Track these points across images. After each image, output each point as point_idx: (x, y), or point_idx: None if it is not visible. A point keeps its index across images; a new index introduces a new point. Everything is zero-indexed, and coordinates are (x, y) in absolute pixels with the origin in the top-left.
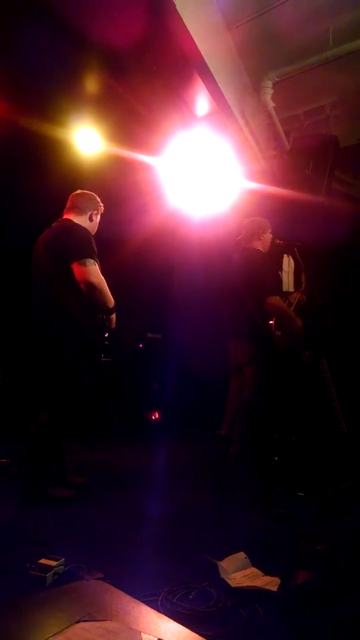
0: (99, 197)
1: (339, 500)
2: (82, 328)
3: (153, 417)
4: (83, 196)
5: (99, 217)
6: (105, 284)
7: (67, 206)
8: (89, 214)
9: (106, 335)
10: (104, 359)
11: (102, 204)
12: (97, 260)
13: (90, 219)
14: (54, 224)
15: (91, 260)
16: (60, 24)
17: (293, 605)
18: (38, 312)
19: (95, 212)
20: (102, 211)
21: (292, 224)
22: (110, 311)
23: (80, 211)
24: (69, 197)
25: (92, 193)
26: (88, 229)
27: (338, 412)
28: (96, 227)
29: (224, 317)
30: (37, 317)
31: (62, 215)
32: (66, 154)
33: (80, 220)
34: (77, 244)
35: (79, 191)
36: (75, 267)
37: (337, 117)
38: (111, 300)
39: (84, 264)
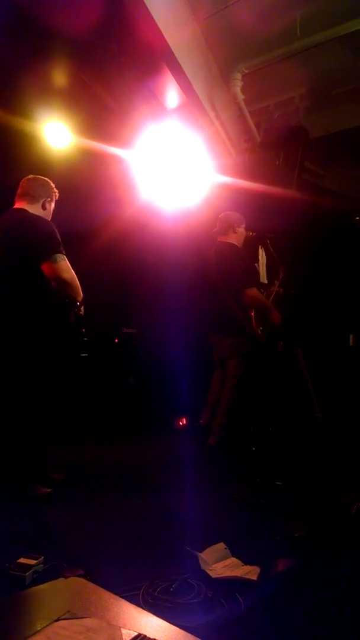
0: (70, 190)
1: (317, 488)
2: (53, 328)
3: (181, 423)
4: (36, 181)
5: (53, 204)
6: (76, 278)
7: (18, 192)
8: (41, 201)
9: (83, 330)
10: (82, 355)
11: (56, 191)
12: (64, 252)
13: (44, 207)
14: (5, 215)
15: (61, 256)
16: (22, 13)
17: (273, 593)
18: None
19: (49, 199)
20: (57, 198)
21: (264, 216)
22: (80, 305)
23: (32, 199)
24: (21, 183)
25: (46, 178)
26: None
27: (313, 401)
28: (50, 215)
29: (204, 312)
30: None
31: (14, 203)
32: (35, 148)
33: (34, 209)
34: (43, 241)
35: (30, 176)
36: (45, 265)
37: (307, 109)
38: (81, 294)
39: (54, 261)
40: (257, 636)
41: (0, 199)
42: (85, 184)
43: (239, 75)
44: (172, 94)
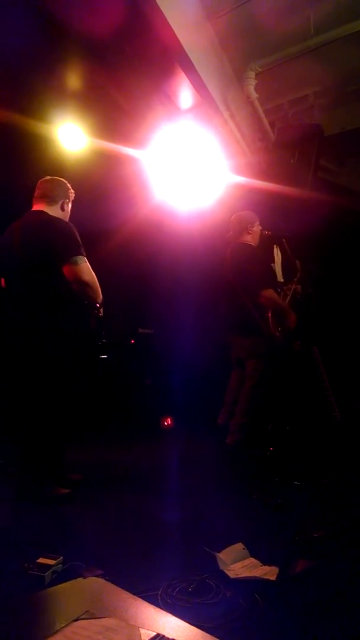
0: (84, 191)
1: (336, 488)
2: (74, 330)
3: (166, 423)
4: (53, 183)
5: (70, 205)
6: (97, 280)
7: (35, 195)
8: (60, 202)
9: (103, 333)
10: (101, 357)
11: (72, 191)
12: (85, 254)
13: (62, 208)
14: (25, 218)
15: (82, 258)
16: (37, 16)
17: (292, 594)
18: (20, 315)
19: (67, 200)
20: (73, 198)
21: (279, 215)
22: (99, 306)
23: (50, 200)
24: (37, 184)
25: (62, 179)
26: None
27: (331, 400)
28: (68, 216)
29: (220, 312)
30: (18, 320)
31: (32, 205)
32: (50, 151)
33: (53, 210)
34: (64, 243)
35: (47, 177)
36: (65, 268)
37: (321, 106)
38: (100, 296)
39: (75, 263)
40: (276, 637)
41: (16, 200)
42: (100, 186)
43: (252, 74)
44: (185, 95)
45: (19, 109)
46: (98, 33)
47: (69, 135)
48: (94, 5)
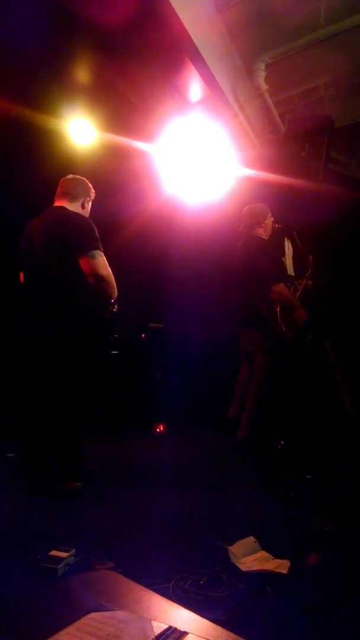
0: (93, 185)
1: (347, 482)
2: (89, 324)
3: (158, 430)
4: (75, 181)
5: (90, 203)
6: (112, 276)
7: (57, 192)
8: (81, 200)
9: (116, 328)
10: (114, 352)
11: (93, 191)
12: (102, 250)
13: (83, 206)
14: (46, 213)
15: (99, 252)
16: (46, 11)
17: (304, 587)
18: (38, 308)
19: (88, 198)
20: (94, 197)
21: (290, 208)
22: (114, 302)
23: (72, 198)
24: (60, 182)
25: (83, 178)
26: None
27: (343, 394)
28: (88, 214)
29: (231, 306)
30: (36, 313)
31: (54, 202)
32: (60, 145)
33: (74, 207)
34: (82, 237)
35: (70, 176)
36: (82, 260)
37: (332, 97)
38: (116, 291)
39: (93, 257)
40: (288, 629)
41: (28, 194)
42: (110, 180)
43: (262, 66)
44: (195, 87)
45: (30, 104)
46: (107, 27)
47: (79, 129)
48: None
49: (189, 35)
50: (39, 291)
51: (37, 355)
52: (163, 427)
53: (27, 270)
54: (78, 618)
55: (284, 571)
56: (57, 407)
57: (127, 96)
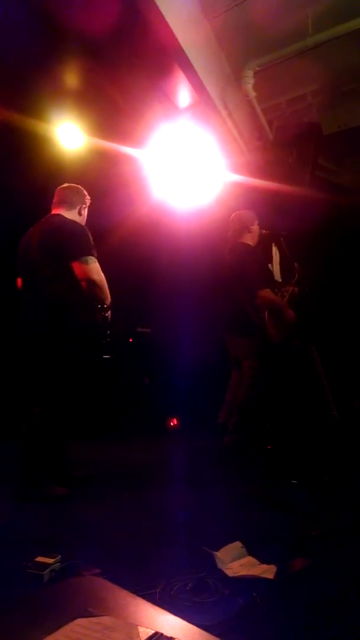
0: (85, 190)
1: (333, 486)
2: (82, 327)
3: (172, 424)
4: (70, 189)
5: (86, 210)
6: (105, 281)
7: (54, 200)
8: (77, 208)
9: (108, 332)
10: (106, 356)
11: (88, 197)
12: (96, 256)
13: (79, 213)
14: (43, 220)
15: (92, 258)
16: (35, 15)
17: (291, 592)
18: (33, 312)
19: (84, 205)
20: (89, 204)
21: (277, 214)
22: (107, 308)
23: (69, 206)
24: (56, 192)
25: (79, 186)
26: None
27: (329, 399)
28: (84, 221)
29: (218, 313)
30: (32, 317)
31: (51, 210)
32: (48, 150)
33: (71, 215)
34: (76, 242)
35: (65, 185)
36: (76, 266)
37: (319, 105)
38: (109, 297)
39: (86, 262)
40: (274, 635)
41: (16, 198)
42: (99, 184)
43: (250, 73)
44: (184, 93)
45: (18, 108)
46: (96, 32)
47: (68, 134)
48: (92, 4)
49: (177, 42)
50: (35, 295)
51: (31, 357)
52: (176, 422)
53: (25, 276)
54: (64, 624)
55: (271, 576)
56: (50, 409)
57: (116, 101)
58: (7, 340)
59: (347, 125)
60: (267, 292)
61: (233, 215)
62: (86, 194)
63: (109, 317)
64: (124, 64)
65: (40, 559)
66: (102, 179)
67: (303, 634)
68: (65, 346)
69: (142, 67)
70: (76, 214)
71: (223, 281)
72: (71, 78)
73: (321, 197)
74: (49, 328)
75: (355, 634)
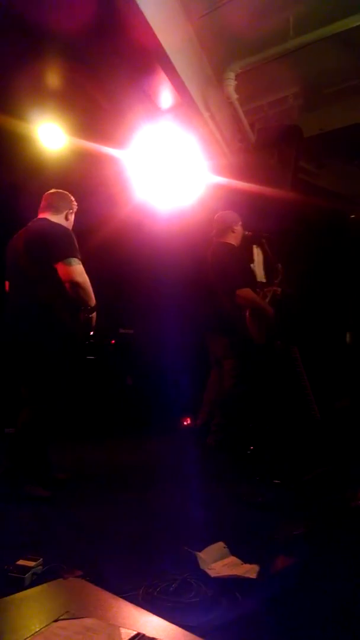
0: (64, 190)
1: (315, 486)
2: (66, 328)
3: (185, 423)
4: (58, 195)
5: (73, 216)
6: (89, 283)
7: (41, 205)
8: (64, 212)
9: (91, 333)
10: (89, 357)
11: (75, 203)
12: (80, 259)
13: (66, 218)
14: (30, 224)
15: (76, 260)
16: (14, 14)
17: (273, 591)
18: (17, 312)
19: (71, 211)
20: (76, 210)
21: (259, 215)
22: (92, 310)
23: (56, 210)
24: (43, 196)
25: (66, 192)
26: None
27: (310, 399)
28: (71, 226)
29: (199, 312)
30: (16, 318)
31: (38, 215)
32: (30, 150)
33: (57, 219)
34: (60, 244)
35: (53, 190)
36: (59, 267)
37: (300, 107)
38: (93, 299)
39: (69, 264)
40: (256, 635)
41: None
42: (80, 185)
43: (232, 75)
44: (166, 95)
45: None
46: (77, 32)
47: (49, 134)
48: (71, 3)
49: (158, 42)
50: (20, 297)
51: (16, 359)
52: (190, 420)
53: (11, 278)
54: (45, 626)
55: (253, 576)
56: (37, 409)
57: (97, 101)
58: None
59: (327, 128)
60: (247, 292)
61: (216, 215)
62: (73, 199)
63: (94, 318)
64: (105, 64)
65: (21, 562)
66: (84, 179)
67: (286, 633)
68: (49, 347)
69: (123, 67)
70: (63, 219)
71: (205, 280)
72: (53, 78)
73: (302, 199)
74: (34, 329)
75: (338, 632)
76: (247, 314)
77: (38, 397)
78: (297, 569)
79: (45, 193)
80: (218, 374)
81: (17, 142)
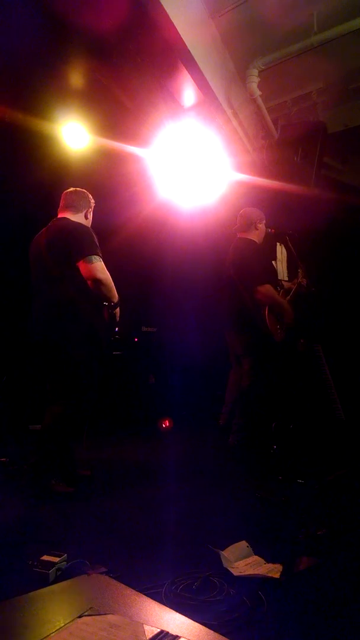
0: (88, 190)
1: (339, 486)
2: (91, 325)
3: (164, 425)
4: (77, 194)
5: (91, 214)
6: (111, 280)
7: (61, 205)
8: (84, 211)
9: (116, 329)
10: (115, 353)
11: (93, 200)
12: (101, 256)
13: (86, 217)
14: (50, 224)
15: (97, 257)
16: (41, 14)
17: (296, 592)
18: (43, 311)
19: (90, 209)
20: (94, 206)
21: (283, 213)
22: (115, 306)
23: (75, 209)
24: (62, 196)
25: (84, 190)
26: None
27: (335, 399)
28: (90, 224)
29: (220, 309)
30: (42, 316)
31: (57, 214)
32: (54, 149)
33: (77, 218)
34: (81, 243)
35: (71, 189)
36: (81, 265)
37: (324, 103)
38: (116, 295)
39: (90, 261)
40: (279, 634)
41: (21, 198)
42: (104, 184)
43: (255, 72)
44: (189, 93)
45: (23, 108)
46: (101, 31)
47: (73, 133)
48: (97, 4)
49: (182, 41)
50: (45, 296)
51: (43, 358)
52: (169, 423)
53: (35, 278)
54: (69, 622)
55: (276, 575)
56: (68, 406)
57: (121, 101)
58: (15, 343)
59: (352, 124)
60: (267, 288)
61: (242, 210)
62: (91, 197)
63: (118, 314)
64: (129, 63)
65: (46, 557)
66: (108, 178)
67: (309, 633)
68: (76, 344)
69: (148, 66)
70: (82, 218)
71: (226, 277)
72: (76, 77)
73: (327, 195)
74: (59, 328)
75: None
76: (266, 310)
77: (66, 394)
78: (320, 569)
79: (64, 192)
80: (238, 373)
81: (42, 141)
